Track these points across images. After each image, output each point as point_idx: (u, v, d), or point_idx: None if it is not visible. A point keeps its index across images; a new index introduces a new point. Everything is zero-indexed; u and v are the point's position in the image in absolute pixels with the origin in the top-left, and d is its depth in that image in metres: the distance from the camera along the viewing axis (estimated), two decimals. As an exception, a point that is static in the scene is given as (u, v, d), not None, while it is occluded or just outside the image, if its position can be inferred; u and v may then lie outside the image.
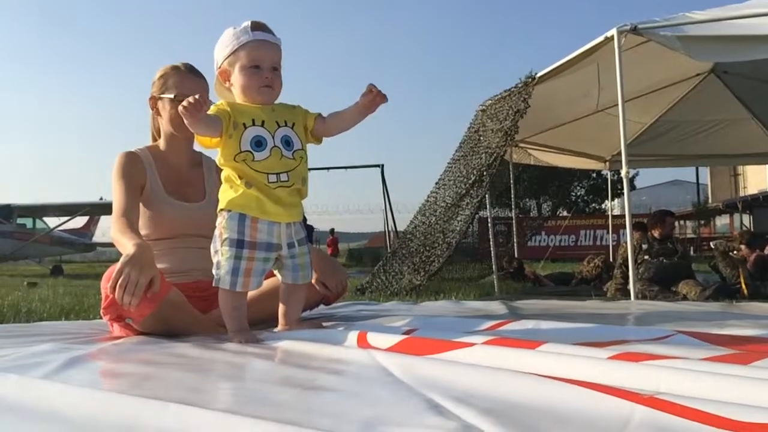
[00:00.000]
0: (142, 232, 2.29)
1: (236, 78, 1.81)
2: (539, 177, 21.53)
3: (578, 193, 25.78)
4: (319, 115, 1.90)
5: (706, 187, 30.62)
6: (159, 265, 2.18)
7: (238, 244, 1.79)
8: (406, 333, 1.77)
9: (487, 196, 6.23)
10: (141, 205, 2.31)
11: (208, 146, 1.84)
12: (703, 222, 27.73)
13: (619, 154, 4.38)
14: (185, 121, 1.72)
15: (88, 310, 3.47)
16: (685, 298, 5.02)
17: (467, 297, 4.47)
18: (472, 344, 1.36)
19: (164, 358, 1.54)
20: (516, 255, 8.00)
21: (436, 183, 6.46)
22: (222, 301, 1.87)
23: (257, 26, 1.82)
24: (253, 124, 1.79)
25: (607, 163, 8.34)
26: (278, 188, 1.79)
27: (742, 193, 25.25)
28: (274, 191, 1.79)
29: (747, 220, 22.37)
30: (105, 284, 1.88)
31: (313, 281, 2.20)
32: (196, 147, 2.57)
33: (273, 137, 1.80)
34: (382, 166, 14.60)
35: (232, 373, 1.37)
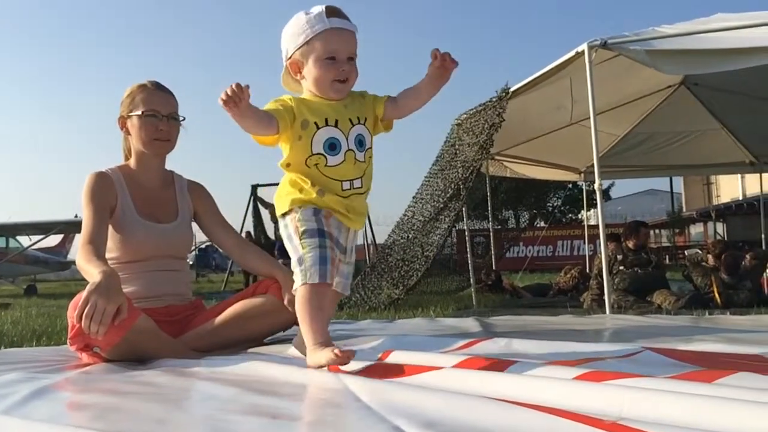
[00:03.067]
0: (112, 254, 2.27)
1: (308, 70, 1.64)
2: (516, 188, 21.66)
3: (555, 204, 26.01)
4: (389, 98, 1.74)
5: (680, 196, 31.07)
6: (129, 289, 2.16)
7: (320, 234, 1.61)
8: (383, 356, 1.78)
9: (464, 208, 6.27)
10: (111, 227, 2.29)
11: (267, 144, 1.66)
12: (677, 231, 28.10)
13: (593, 165, 4.44)
14: (229, 114, 1.51)
15: (60, 332, 3.41)
16: (659, 307, 5.08)
17: (445, 310, 4.47)
18: (441, 367, 1.36)
19: (131, 387, 1.52)
20: (494, 267, 8.04)
21: (414, 197, 6.49)
22: (301, 305, 1.61)
23: (333, 12, 1.64)
24: (326, 124, 1.63)
25: (582, 174, 8.44)
26: (352, 195, 1.66)
27: (715, 202, 25.67)
28: (347, 200, 1.65)
29: (720, 228, 22.74)
30: (71, 313, 1.85)
31: (285, 302, 2.19)
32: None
33: (347, 139, 1.65)
34: (361, 179, 14.55)
35: (200, 402, 1.35)
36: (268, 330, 2.30)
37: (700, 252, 10.11)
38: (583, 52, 4.33)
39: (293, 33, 1.65)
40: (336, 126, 1.64)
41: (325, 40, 1.61)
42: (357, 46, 1.66)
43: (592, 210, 17.49)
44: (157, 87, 2.41)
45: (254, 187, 15.81)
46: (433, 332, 2.46)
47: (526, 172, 8.25)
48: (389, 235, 6.69)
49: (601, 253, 4.70)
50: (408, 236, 6.30)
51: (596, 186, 4.39)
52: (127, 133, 2.42)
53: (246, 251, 2.54)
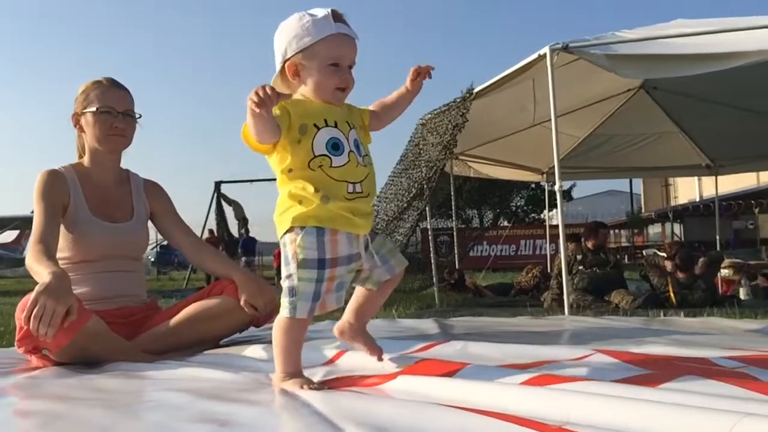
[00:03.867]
0: (64, 254, 2.22)
1: (310, 74, 1.55)
2: (480, 188, 21.89)
3: (518, 204, 26.33)
4: (370, 110, 1.71)
5: (639, 197, 31.76)
6: (81, 290, 2.12)
7: (320, 264, 1.49)
8: (334, 358, 1.78)
9: (427, 208, 6.30)
10: (64, 226, 2.24)
11: (262, 151, 1.56)
12: (636, 231, 28.73)
13: (555, 166, 4.50)
14: (250, 112, 1.41)
15: (13, 332, 3.31)
16: (617, 306, 5.19)
17: (408, 309, 4.49)
18: (395, 376, 1.36)
19: (80, 392, 1.48)
20: (457, 266, 8.10)
21: (378, 196, 6.48)
22: (280, 333, 1.53)
23: (339, 17, 1.56)
24: (326, 125, 1.54)
25: (544, 175, 8.53)
26: (356, 199, 1.54)
27: (673, 203, 26.32)
28: (353, 203, 1.54)
29: (678, 229, 23.33)
30: (19, 315, 1.80)
31: (241, 303, 2.17)
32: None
33: (347, 140, 1.56)
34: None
35: (149, 408, 1.32)
36: (224, 332, 2.28)
37: (657, 252, 10.34)
38: (545, 55, 4.38)
39: (295, 34, 1.55)
40: (336, 127, 1.56)
41: (331, 45, 1.53)
42: (357, 55, 1.60)
43: (554, 210, 17.76)
44: (113, 84, 2.38)
45: (218, 184, 15.65)
46: (391, 334, 2.47)
47: (490, 172, 8.32)
48: (353, 234, 6.67)
49: (561, 254, 4.78)
50: (372, 235, 6.29)
51: (557, 187, 4.45)
52: (81, 130, 2.38)
53: (202, 252, 2.51)
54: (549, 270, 7.09)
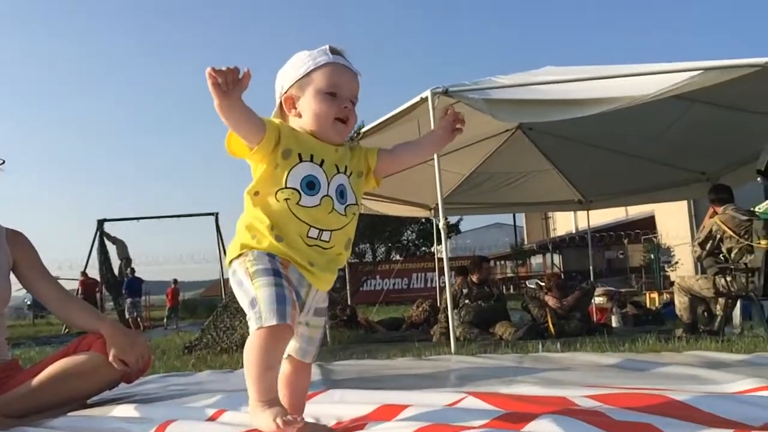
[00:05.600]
0: None
1: (307, 104, 1.48)
2: (372, 222, 22.14)
3: (409, 238, 26.73)
4: (380, 149, 1.62)
5: (522, 229, 33.27)
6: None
7: (275, 273, 1.38)
8: (214, 416, 1.73)
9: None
10: None
11: (238, 154, 1.45)
12: (520, 262, 30.05)
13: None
14: (217, 105, 1.33)
15: None
16: (501, 338, 5.39)
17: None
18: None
19: None
20: (350, 302, 8.12)
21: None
22: (253, 352, 1.36)
23: (337, 51, 1.53)
24: (311, 160, 1.46)
25: (432, 211, 8.79)
26: (315, 247, 1.45)
27: (552, 235, 27.79)
28: (309, 249, 1.44)
29: (557, 259, 24.69)
30: None
31: (110, 358, 2.05)
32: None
33: (328, 184, 1.47)
34: (217, 214, 14.27)
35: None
36: (92, 390, 2.14)
37: (539, 282, 10.85)
38: (427, 98, 4.57)
39: (293, 67, 1.52)
40: (321, 165, 1.47)
41: (327, 73, 1.49)
42: (359, 92, 1.55)
43: (442, 244, 18.27)
44: None
45: (100, 222, 14.88)
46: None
47: (380, 209, 8.46)
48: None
49: (446, 290, 4.91)
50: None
51: (441, 225, 4.62)
52: None
53: (68, 305, 2.35)
54: (438, 304, 7.26)
